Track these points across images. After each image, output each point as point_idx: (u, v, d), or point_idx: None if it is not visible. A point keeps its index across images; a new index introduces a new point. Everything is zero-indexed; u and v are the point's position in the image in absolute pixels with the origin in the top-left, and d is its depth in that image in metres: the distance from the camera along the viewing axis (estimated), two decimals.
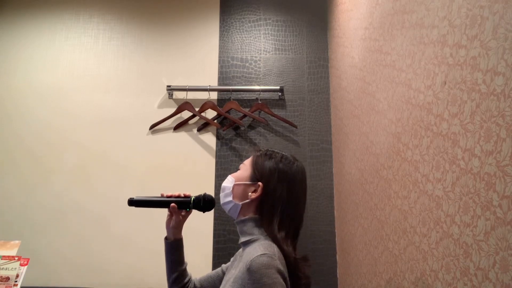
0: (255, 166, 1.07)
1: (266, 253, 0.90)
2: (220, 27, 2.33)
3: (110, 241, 2.03)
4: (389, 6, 1.27)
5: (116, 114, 2.20)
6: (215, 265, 2.00)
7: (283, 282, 0.88)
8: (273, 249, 0.93)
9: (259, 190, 1.03)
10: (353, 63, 1.74)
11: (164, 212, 1.10)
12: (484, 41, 0.72)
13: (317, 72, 2.27)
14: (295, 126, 2.16)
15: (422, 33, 1.01)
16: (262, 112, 2.19)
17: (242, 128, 2.20)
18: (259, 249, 0.92)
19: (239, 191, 1.05)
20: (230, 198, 1.05)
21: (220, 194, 1.09)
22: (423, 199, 0.96)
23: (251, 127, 2.20)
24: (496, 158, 0.67)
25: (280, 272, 0.89)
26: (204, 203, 1.08)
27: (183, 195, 1.08)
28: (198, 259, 2.00)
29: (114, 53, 2.29)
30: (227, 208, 1.07)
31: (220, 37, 2.32)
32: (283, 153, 1.10)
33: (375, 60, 1.40)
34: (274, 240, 0.97)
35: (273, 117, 2.18)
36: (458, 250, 0.79)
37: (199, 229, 2.02)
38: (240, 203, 1.04)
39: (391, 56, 1.24)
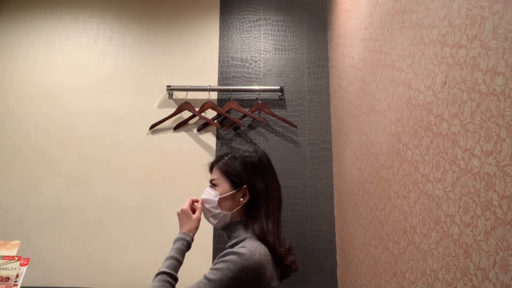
0: (229, 174, 1.10)
1: (247, 247, 0.94)
2: (220, 27, 2.33)
3: (110, 241, 2.03)
4: (389, 6, 1.27)
5: (116, 114, 2.20)
6: None
7: (240, 279, 0.90)
8: (257, 246, 0.97)
9: (247, 192, 1.08)
10: (353, 63, 1.73)
11: (162, 214, 1.10)
12: (484, 41, 0.72)
13: (317, 72, 2.27)
14: (295, 126, 2.16)
15: (422, 33, 1.00)
16: (262, 112, 2.19)
17: (242, 128, 2.20)
18: (243, 244, 0.98)
19: (227, 203, 1.09)
20: (218, 210, 1.09)
21: (206, 206, 1.11)
22: (423, 199, 0.96)
23: (251, 127, 2.20)
24: (496, 158, 0.67)
25: (248, 268, 0.90)
26: None
27: None
28: (198, 259, 2.00)
29: (114, 53, 2.29)
30: (218, 217, 1.09)
31: (220, 37, 2.32)
32: (240, 148, 1.15)
33: (375, 60, 1.40)
34: (261, 237, 1.01)
35: (273, 117, 2.18)
36: (458, 250, 0.79)
37: (199, 229, 2.02)
38: (230, 212, 1.08)
39: (391, 56, 1.24)
